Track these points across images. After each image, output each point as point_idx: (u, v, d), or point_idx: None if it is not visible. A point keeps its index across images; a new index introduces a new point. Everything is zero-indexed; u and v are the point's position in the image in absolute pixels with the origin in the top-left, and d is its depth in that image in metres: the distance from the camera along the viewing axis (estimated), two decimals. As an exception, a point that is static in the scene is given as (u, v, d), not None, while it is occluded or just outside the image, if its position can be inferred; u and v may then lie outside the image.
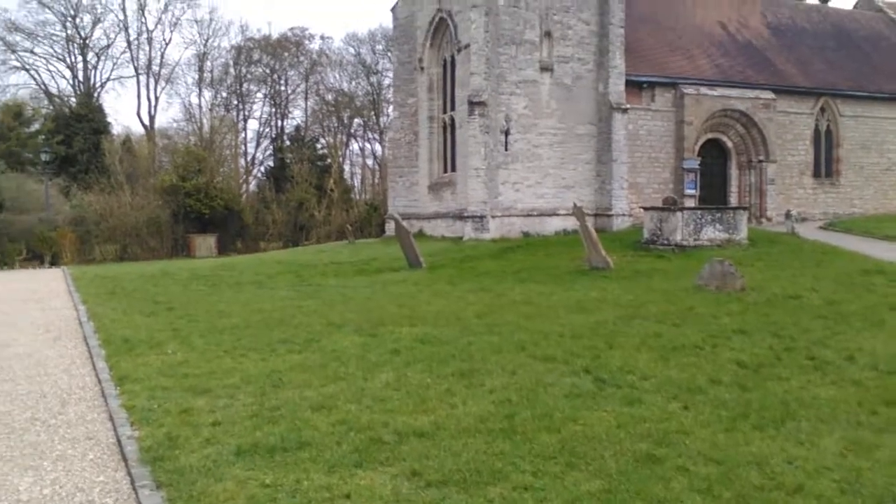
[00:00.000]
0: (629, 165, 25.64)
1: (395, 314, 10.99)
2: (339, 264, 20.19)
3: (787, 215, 22.78)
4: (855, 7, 38.10)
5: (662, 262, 17.01)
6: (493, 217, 23.42)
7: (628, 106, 25.32)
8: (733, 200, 28.31)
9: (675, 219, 19.22)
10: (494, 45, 23.44)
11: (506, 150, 23.99)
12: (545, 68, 24.46)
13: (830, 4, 39.24)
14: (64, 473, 5.02)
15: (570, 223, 24.74)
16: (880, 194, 31.28)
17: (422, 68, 27.05)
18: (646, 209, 21.06)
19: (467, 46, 23.53)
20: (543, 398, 6.09)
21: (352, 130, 58.33)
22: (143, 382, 7.24)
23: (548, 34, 24.47)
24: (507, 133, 23.95)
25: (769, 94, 28.26)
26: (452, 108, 25.89)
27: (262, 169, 52.91)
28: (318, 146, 52.69)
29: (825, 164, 30.45)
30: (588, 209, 23.32)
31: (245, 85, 52.94)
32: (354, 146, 58.79)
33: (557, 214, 24.74)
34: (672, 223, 19.27)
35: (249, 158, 54.24)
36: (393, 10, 28.29)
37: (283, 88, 54.64)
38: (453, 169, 25.84)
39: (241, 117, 53.12)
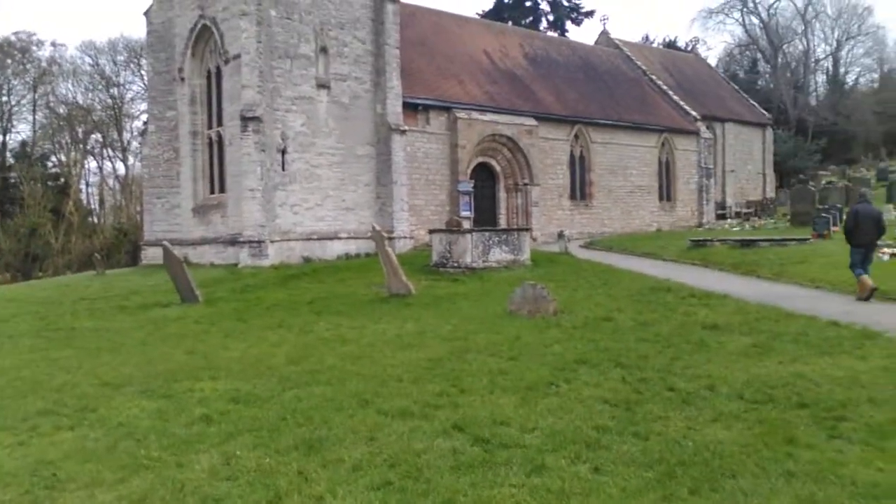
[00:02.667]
0: (408, 187, 25.23)
1: (186, 364, 9.11)
2: (92, 300, 17.18)
3: (560, 235, 23.73)
4: (596, 43, 41.68)
5: (458, 285, 16.53)
6: (272, 242, 21.60)
7: (406, 128, 24.95)
8: (503, 222, 29.14)
9: (465, 241, 18.96)
10: (268, 57, 21.76)
11: (283, 170, 22.33)
12: (322, 85, 23.25)
13: (577, 40, 42.62)
14: None
15: (353, 247, 23.82)
16: (626, 214, 34.13)
17: (182, 79, 24.48)
18: (433, 232, 20.65)
19: (237, 57, 21.60)
20: (428, 475, 4.90)
21: (88, 147, 52.35)
22: None
23: (324, 50, 23.30)
24: (284, 152, 22.32)
25: (532, 121, 29.55)
26: (220, 124, 23.68)
27: (-22, 190, 45.35)
28: (50, 164, 46.45)
29: (580, 187, 32.55)
30: (369, 231, 22.44)
31: (-46, 92, 45.20)
32: (93, 164, 52.86)
33: (339, 238, 23.57)
34: (462, 245, 18.99)
35: (-40, 178, 46.23)
36: (146, 14, 25.33)
37: (5, 99, 47.50)
38: (222, 190, 23.60)
39: (-51, 130, 45.21)
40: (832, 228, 22.16)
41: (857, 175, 42.99)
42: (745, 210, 38.71)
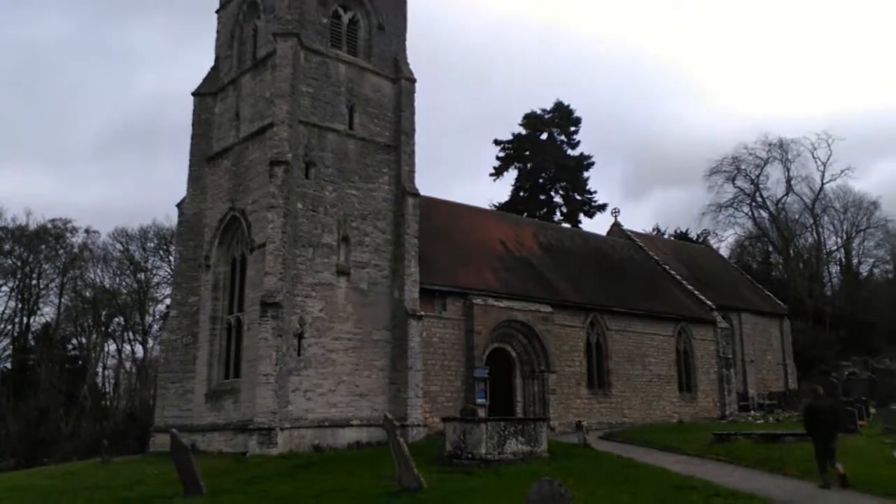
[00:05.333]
0: (423, 373, 25.05)
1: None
2: (94, 489, 16.62)
3: (578, 426, 23.08)
4: (608, 234, 43.00)
5: (474, 479, 15.85)
6: (282, 429, 21.16)
7: (423, 313, 25.23)
8: (519, 410, 28.55)
9: (479, 431, 18.44)
10: (291, 246, 22.59)
11: (299, 354, 22.39)
12: (342, 272, 23.90)
13: (590, 230, 44.07)
14: None
15: (365, 435, 23.25)
16: (646, 404, 33.36)
17: (208, 266, 25.31)
18: (446, 420, 20.17)
19: (262, 246, 22.44)
20: None
21: (110, 329, 53.12)
22: None
23: (345, 239, 24.21)
24: (300, 337, 22.51)
25: (547, 308, 29.82)
26: (240, 309, 24.13)
27: (-3, 372, 45.53)
28: (70, 346, 46.93)
29: (598, 375, 32.14)
30: (382, 419, 22.02)
31: (-11, 276, 46.76)
32: (112, 347, 53.34)
33: (351, 425, 23.09)
34: (476, 435, 18.45)
35: (-19, 359, 46.59)
36: (179, 205, 26.74)
37: (34, 282, 49.03)
38: (237, 375, 23.56)
39: (-23, 312, 46.24)
40: (859, 423, 21.44)
41: (880, 366, 42.24)
42: (767, 402, 37.76)
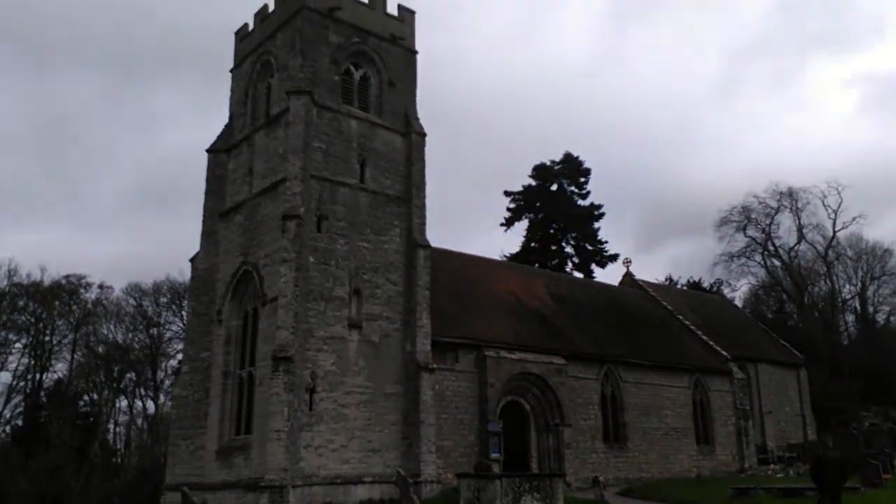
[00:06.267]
0: (436, 427, 24.72)
1: None
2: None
3: (595, 482, 22.67)
4: (621, 284, 42.83)
5: (488, 536, 15.52)
6: (293, 487, 20.84)
7: (435, 366, 25.05)
8: (534, 464, 28.10)
9: (494, 487, 18.06)
10: (303, 299, 22.61)
11: (310, 409, 22.21)
12: (354, 325, 23.86)
13: (602, 280, 43.94)
14: None
15: (378, 492, 22.87)
16: (663, 458, 32.72)
17: (220, 321, 25.36)
18: (460, 476, 19.80)
19: (274, 300, 22.49)
20: None
21: (122, 385, 52.96)
22: None
23: (357, 292, 24.24)
24: (312, 391, 22.36)
25: (560, 360, 29.56)
26: (252, 364, 24.07)
27: (7, 430, 45.32)
28: (82, 403, 46.75)
29: (614, 429, 31.63)
30: (394, 476, 21.70)
31: (3, 333, 46.84)
32: (123, 403, 53.09)
33: (363, 482, 22.72)
34: (491, 492, 18.07)
35: (-8, 418, 46.36)
36: (192, 260, 26.94)
37: (47, 339, 49.10)
38: (248, 431, 23.36)
39: (-10, 371, 46.16)
40: (884, 476, 20.90)
41: (902, 416, 41.41)
42: (787, 454, 36.95)
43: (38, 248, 75.44)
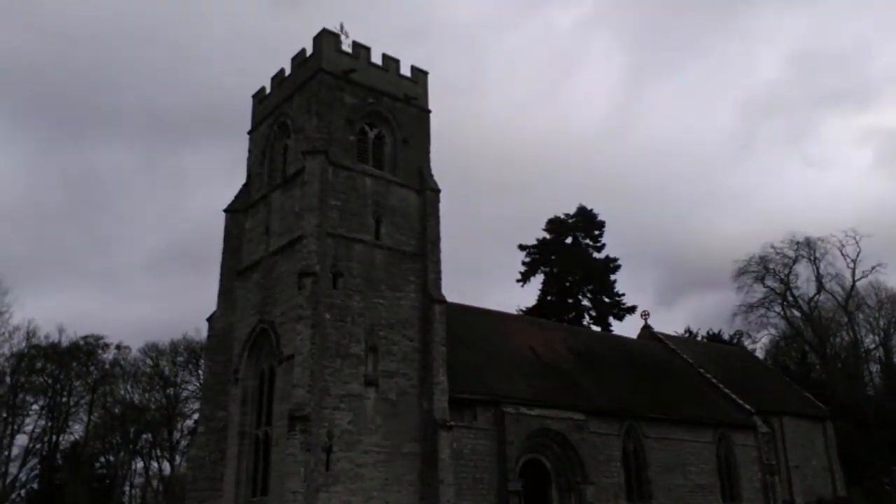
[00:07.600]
0: (455, 487, 24.22)
1: None
2: None
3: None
4: (639, 337, 42.34)
5: None
6: (310, 555, 20.42)
7: (453, 423, 24.69)
8: (557, 525, 27.36)
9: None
10: (319, 357, 22.49)
11: (327, 469, 21.86)
12: (370, 383, 23.65)
13: (620, 333, 43.48)
14: None
15: (396, 554, 22.29)
16: (690, 517, 31.81)
17: (237, 380, 25.26)
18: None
19: (290, 358, 22.40)
20: None
21: (138, 446, 52.62)
22: None
23: (373, 349, 24.10)
24: (329, 451, 22.05)
25: (580, 416, 29.03)
26: (268, 423, 23.85)
27: (23, 493, 44.94)
28: (98, 464, 46.38)
29: (637, 486, 30.86)
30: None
31: (20, 395, 46.91)
32: (139, 464, 52.66)
33: (381, 548, 22.20)
34: (513, 553, 17.66)
35: (9, 480, 46.03)
36: (209, 319, 27.01)
37: (64, 400, 49.10)
38: (265, 492, 23.01)
39: (7, 432, 46.06)
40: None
41: (934, 470, 40.10)
42: (818, 510, 35.85)
43: (60, 311, 76.37)
